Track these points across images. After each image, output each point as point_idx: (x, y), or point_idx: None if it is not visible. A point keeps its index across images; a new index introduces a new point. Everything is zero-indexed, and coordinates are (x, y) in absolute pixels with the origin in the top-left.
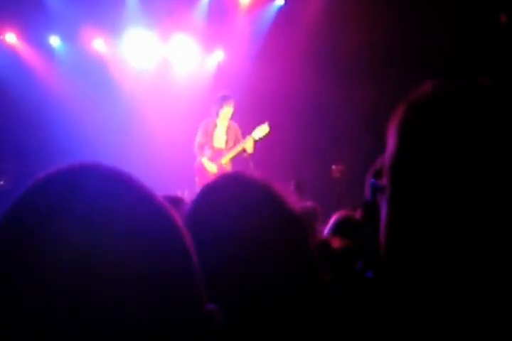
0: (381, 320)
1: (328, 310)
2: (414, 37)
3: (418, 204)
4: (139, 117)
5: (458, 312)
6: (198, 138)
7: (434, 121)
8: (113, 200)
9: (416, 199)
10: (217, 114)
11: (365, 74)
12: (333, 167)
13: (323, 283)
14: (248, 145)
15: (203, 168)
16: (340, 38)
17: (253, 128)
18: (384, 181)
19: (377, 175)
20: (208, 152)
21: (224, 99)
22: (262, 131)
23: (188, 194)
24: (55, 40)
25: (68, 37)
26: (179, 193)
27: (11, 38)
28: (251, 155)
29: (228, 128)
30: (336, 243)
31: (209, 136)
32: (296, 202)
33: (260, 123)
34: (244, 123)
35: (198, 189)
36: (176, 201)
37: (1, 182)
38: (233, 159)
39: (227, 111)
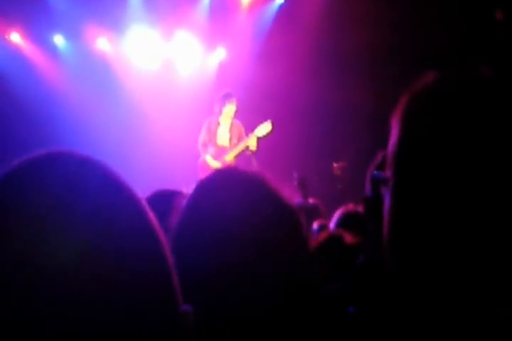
0: (385, 314)
1: (328, 303)
2: (414, 36)
3: (422, 195)
4: (142, 115)
5: (461, 306)
6: (202, 136)
7: (436, 111)
8: (80, 187)
9: (420, 189)
10: (220, 112)
11: (366, 72)
12: (335, 164)
13: (317, 276)
14: (251, 142)
15: (206, 166)
16: (341, 36)
17: (256, 126)
18: (387, 172)
19: (379, 167)
20: (211, 150)
21: (226, 97)
22: (264, 128)
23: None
24: (59, 39)
25: (72, 36)
26: (184, 190)
27: (15, 37)
28: (254, 152)
29: (231, 126)
30: (349, 238)
31: (212, 134)
32: (291, 196)
33: (262, 121)
34: (247, 121)
35: None
36: (172, 194)
37: None
38: (236, 156)
39: (229, 109)
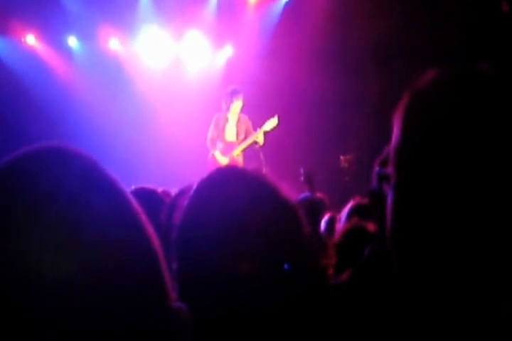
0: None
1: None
2: (419, 30)
3: (423, 192)
4: (153, 113)
5: (464, 302)
6: (210, 133)
7: (436, 109)
8: (66, 180)
9: (421, 187)
10: (227, 109)
11: (371, 67)
12: (342, 157)
13: (321, 269)
14: (259, 137)
15: (215, 162)
16: (347, 32)
17: (263, 121)
18: (389, 169)
19: (383, 164)
20: (219, 145)
21: (233, 94)
22: (271, 123)
23: None
24: (72, 41)
25: (85, 37)
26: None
27: (31, 39)
28: (261, 147)
29: (238, 122)
30: (371, 226)
31: (220, 130)
32: (298, 190)
33: (269, 116)
34: (254, 116)
35: None
36: (151, 191)
37: None
38: (244, 151)
39: (237, 105)
